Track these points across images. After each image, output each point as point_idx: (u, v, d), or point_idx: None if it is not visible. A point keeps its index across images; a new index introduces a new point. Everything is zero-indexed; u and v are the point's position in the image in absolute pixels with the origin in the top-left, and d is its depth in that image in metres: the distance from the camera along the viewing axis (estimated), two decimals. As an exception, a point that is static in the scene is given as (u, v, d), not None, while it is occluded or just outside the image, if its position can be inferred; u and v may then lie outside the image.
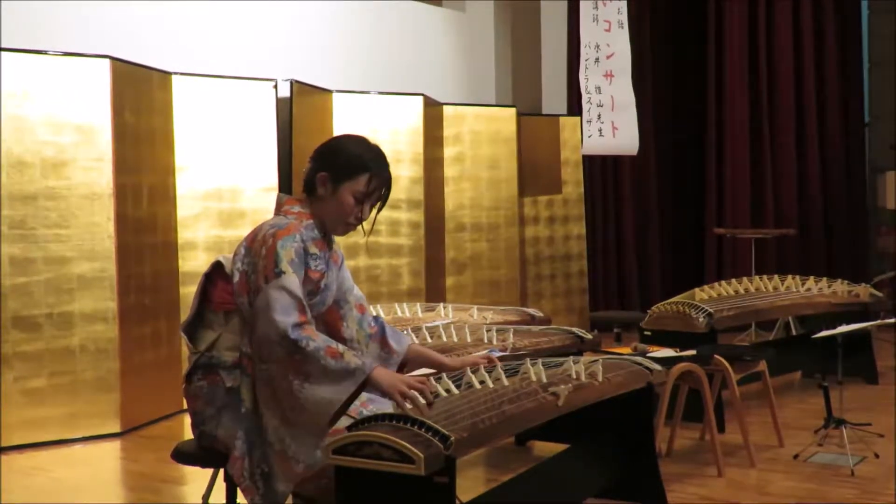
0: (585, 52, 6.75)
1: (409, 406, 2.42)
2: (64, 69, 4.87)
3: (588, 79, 6.73)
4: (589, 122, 6.78)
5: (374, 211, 2.73)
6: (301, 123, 5.97)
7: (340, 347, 2.46)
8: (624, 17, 6.94)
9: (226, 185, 5.70)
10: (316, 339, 2.44)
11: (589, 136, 6.78)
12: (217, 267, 2.70)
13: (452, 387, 2.69)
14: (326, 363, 2.41)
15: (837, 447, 4.20)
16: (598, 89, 6.78)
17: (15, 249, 4.73)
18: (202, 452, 2.68)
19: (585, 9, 6.74)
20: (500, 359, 3.00)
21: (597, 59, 6.77)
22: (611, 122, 6.84)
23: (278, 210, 2.72)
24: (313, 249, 2.62)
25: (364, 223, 2.71)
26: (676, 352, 4.14)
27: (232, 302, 2.62)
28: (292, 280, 2.49)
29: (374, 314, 2.91)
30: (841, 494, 3.72)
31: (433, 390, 2.54)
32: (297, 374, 2.42)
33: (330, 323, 2.79)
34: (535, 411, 2.72)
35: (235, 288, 2.58)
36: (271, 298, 2.46)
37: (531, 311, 5.13)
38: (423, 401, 2.43)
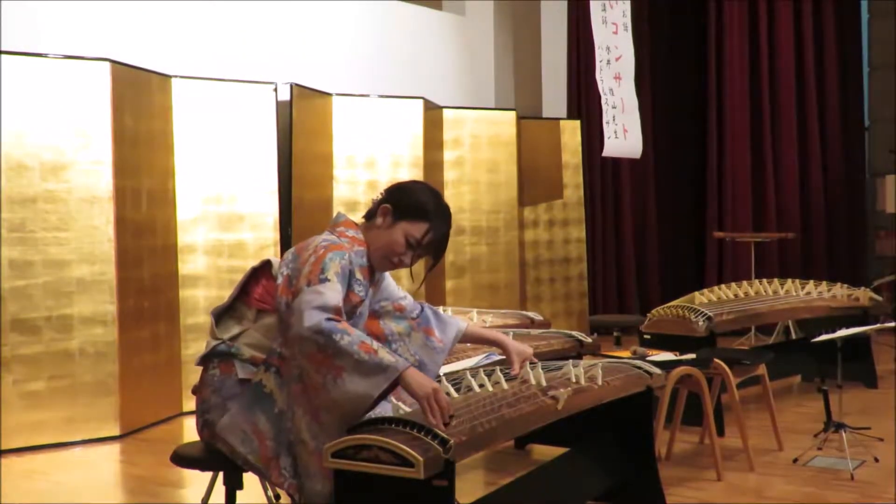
0: (599, 54, 6.71)
1: (430, 416, 2.35)
2: (64, 72, 4.87)
3: (603, 80, 6.70)
4: (608, 123, 6.71)
5: (425, 268, 2.78)
6: (301, 126, 5.97)
7: (375, 344, 2.43)
8: (628, 20, 6.93)
9: (225, 189, 5.69)
10: (351, 334, 2.41)
11: (609, 138, 6.73)
12: (265, 265, 2.73)
13: (452, 390, 2.70)
14: (360, 357, 2.37)
15: (837, 451, 4.19)
16: (612, 91, 6.75)
17: (14, 252, 4.73)
18: (202, 455, 2.68)
19: (595, 10, 6.69)
20: (500, 363, 2.99)
21: (608, 62, 6.74)
22: (622, 125, 6.81)
23: (332, 229, 2.74)
24: (358, 275, 2.65)
25: (413, 274, 2.74)
26: (676, 355, 4.13)
27: (269, 302, 2.65)
28: (335, 287, 2.49)
29: (420, 305, 2.91)
30: (840, 498, 3.72)
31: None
32: (330, 369, 2.38)
33: (367, 325, 2.80)
34: (534, 415, 2.72)
35: (278, 289, 2.60)
36: (310, 298, 2.45)
37: (531, 314, 5.13)
38: (443, 417, 2.37)
